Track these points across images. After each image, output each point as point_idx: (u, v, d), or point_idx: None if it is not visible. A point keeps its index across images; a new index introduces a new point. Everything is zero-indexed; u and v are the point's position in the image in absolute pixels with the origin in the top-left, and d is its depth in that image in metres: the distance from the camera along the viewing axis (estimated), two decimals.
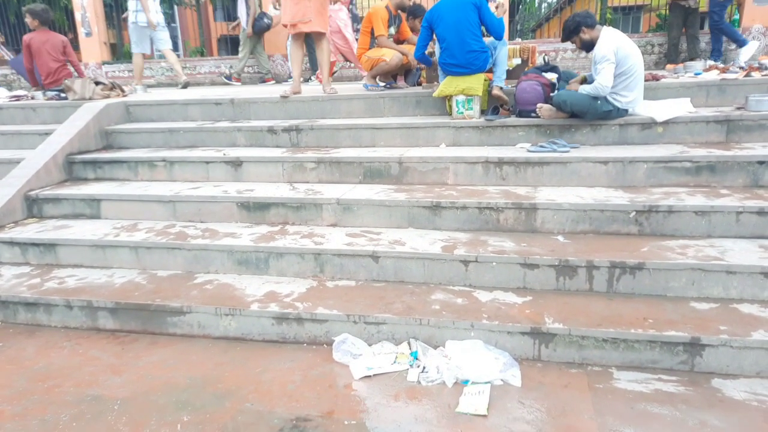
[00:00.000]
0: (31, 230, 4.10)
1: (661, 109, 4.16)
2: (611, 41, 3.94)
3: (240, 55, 9.01)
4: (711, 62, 6.11)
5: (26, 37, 6.44)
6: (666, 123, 4.09)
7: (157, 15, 7.43)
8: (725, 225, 3.29)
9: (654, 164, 3.74)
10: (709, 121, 4.09)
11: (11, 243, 3.98)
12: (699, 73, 5.36)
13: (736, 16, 8.66)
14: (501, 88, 4.67)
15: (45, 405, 2.59)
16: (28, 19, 6.45)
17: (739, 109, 4.27)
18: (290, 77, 8.45)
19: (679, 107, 4.22)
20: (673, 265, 2.97)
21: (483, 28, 4.54)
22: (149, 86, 9.12)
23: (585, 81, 4.37)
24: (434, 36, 4.72)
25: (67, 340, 3.28)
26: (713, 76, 5.07)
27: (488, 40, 4.64)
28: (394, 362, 2.78)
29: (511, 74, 5.20)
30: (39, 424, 2.45)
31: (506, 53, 4.70)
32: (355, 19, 8.16)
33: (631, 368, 2.68)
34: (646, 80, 4.48)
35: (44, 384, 2.78)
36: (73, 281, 3.63)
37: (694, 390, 2.50)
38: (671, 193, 3.55)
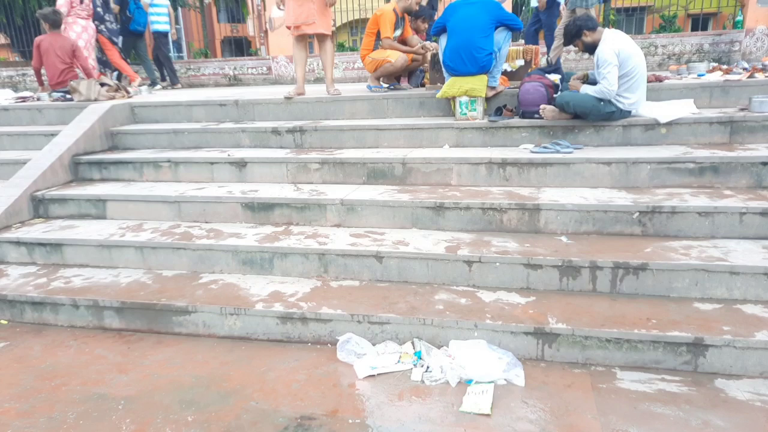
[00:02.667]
0: (38, 230, 4.13)
1: (665, 110, 4.17)
2: (613, 43, 3.95)
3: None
4: (714, 64, 6.09)
5: (37, 39, 6.56)
6: (669, 124, 4.09)
7: None
8: (729, 226, 3.29)
9: (657, 165, 3.74)
10: (712, 122, 4.09)
11: (18, 243, 4.01)
12: (702, 75, 5.36)
13: (740, 17, 8.67)
14: (493, 88, 4.72)
15: (52, 403, 2.62)
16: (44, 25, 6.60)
17: (742, 110, 4.28)
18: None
19: (683, 108, 4.23)
20: (677, 265, 2.97)
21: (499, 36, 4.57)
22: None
23: (587, 78, 4.38)
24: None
25: (74, 339, 3.30)
26: (716, 77, 5.07)
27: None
28: (398, 362, 2.79)
29: (514, 75, 5.22)
30: (46, 422, 2.47)
31: (506, 54, 4.72)
32: (113, 33, 8.23)
33: (635, 368, 2.68)
34: (649, 81, 4.49)
35: (51, 382, 2.80)
36: (79, 281, 3.66)
37: (697, 390, 2.51)
38: (675, 194, 3.56)
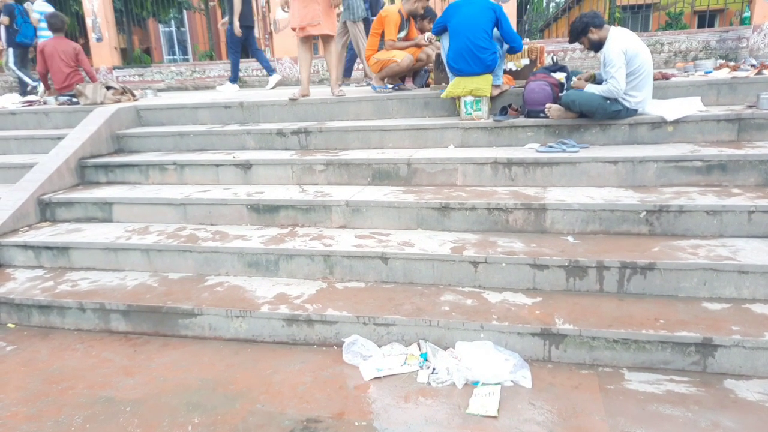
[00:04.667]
0: (45, 234, 4.15)
1: (671, 108, 4.14)
2: (620, 42, 3.91)
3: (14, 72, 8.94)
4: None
5: (41, 44, 6.61)
6: (676, 122, 4.06)
7: None
8: (737, 224, 3.26)
9: (664, 164, 3.71)
10: (720, 119, 4.05)
11: (25, 246, 4.03)
12: (709, 72, 5.31)
13: (747, 14, 8.60)
14: (498, 87, 4.71)
15: (59, 406, 2.62)
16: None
17: (750, 107, 4.23)
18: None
19: (690, 106, 4.19)
20: (685, 265, 2.95)
21: (498, 34, 4.56)
22: (159, 90, 9.20)
23: (594, 78, 4.35)
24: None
25: (81, 342, 3.32)
26: (724, 74, 5.02)
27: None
28: (404, 363, 2.78)
29: (519, 74, 5.20)
30: (53, 426, 2.47)
31: (504, 53, 4.71)
32: None
33: (643, 369, 2.66)
34: (655, 79, 4.46)
35: (58, 386, 2.82)
36: (86, 284, 3.67)
37: (706, 391, 2.48)
38: (682, 193, 3.53)
